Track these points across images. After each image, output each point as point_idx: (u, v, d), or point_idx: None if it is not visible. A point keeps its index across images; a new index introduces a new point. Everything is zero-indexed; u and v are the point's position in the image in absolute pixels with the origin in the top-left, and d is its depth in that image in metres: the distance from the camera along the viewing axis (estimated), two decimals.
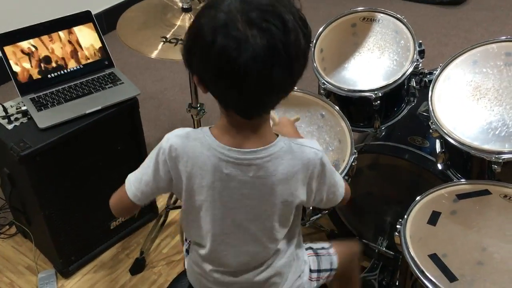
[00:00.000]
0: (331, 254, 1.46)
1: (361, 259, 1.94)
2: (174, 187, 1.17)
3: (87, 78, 2.10)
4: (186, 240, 1.48)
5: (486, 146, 1.49)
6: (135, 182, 1.18)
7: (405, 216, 1.41)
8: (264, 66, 0.95)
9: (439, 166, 1.68)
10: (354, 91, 1.76)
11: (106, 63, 2.17)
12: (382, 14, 1.84)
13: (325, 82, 1.78)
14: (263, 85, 0.98)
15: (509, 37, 1.64)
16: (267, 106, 1.07)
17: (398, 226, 1.39)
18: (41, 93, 2.01)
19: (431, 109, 1.60)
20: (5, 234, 2.31)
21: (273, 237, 1.21)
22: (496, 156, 1.47)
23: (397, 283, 1.61)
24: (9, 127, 1.91)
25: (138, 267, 2.15)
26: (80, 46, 2.07)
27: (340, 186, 1.27)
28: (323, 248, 1.47)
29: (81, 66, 2.10)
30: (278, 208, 1.16)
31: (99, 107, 1.97)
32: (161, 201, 2.38)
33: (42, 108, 1.96)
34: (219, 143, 1.09)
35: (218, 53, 0.95)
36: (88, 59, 2.09)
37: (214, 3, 0.99)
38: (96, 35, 2.13)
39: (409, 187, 1.89)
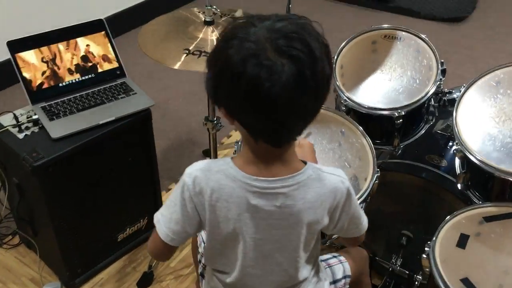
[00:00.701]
0: (342, 261, 1.45)
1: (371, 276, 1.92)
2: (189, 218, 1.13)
3: (99, 88, 2.05)
4: (200, 262, 1.45)
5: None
6: (165, 222, 1.14)
7: (434, 238, 1.40)
8: (294, 93, 0.94)
9: (459, 186, 1.68)
10: (376, 108, 1.76)
11: (118, 72, 2.13)
12: (403, 32, 1.84)
13: (347, 99, 1.77)
14: (293, 112, 0.97)
15: None
16: (296, 133, 1.06)
17: (426, 249, 1.38)
18: (52, 102, 1.97)
19: (456, 129, 1.59)
20: (8, 244, 2.24)
21: (297, 265, 1.19)
22: None
23: None
24: (20, 136, 1.86)
25: (145, 281, 2.11)
26: (93, 55, 2.04)
27: (364, 220, 1.26)
28: (333, 257, 1.47)
29: (93, 75, 2.06)
30: (304, 236, 1.14)
31: (113, 118, 1.93)
32: None
33: (54, 117, 1.91)
34: (245, 174, 1.06)
35: (249, 83, 0.93)
36: (100, 68, 2.05)
37: (237, 33, 0.97)
38: (108, 44, 2.09)
39: (424, 205, 1.88)
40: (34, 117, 1.92)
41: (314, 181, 1.10)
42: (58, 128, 1.87)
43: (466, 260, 1.35)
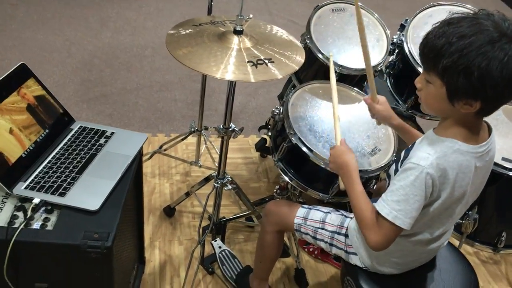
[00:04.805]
0: None
1: None
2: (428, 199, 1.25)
3: (64, 142, 1.59)
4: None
5: None
6: (407, 214, 1.22)
7: None
8: None
9: None
10: None
11: (66, 118, 1.67)
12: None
13: None
14: None
15: None
16: None
17: None
18: (31, 177, 1.44)
19: None
20: None
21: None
22: None
23: None
24: (49, 228, 1.31)
25: None
26: (35, 108, 1.54)
27: None
28: None
29: (47, 131, 1.56)
30: None
31: (129, 162, 1.56)
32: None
33: (64, 191, 1.41)
34: (472, 146, 1.22)
35: None
36: (49, 120, 1.58)
37: (490, 40, 1.08)
38: (42, 90, 1.61)
39: None
40: (36, 201, 1.36)
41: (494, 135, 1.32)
42: (89, 199, 1.40)
43: None
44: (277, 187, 2.02)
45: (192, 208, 2.30)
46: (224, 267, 1.95)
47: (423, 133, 2.11)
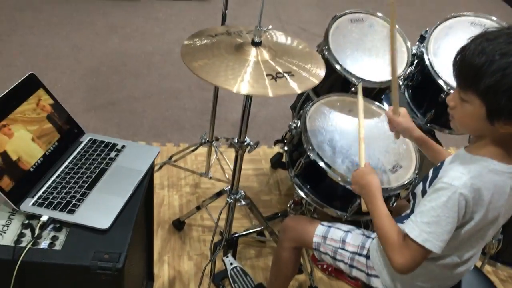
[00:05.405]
0: None
1: None
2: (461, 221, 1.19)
3: (74, 155, 1.53)
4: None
5: None
6: (439, 237, 1.16)
7: None
8: None
9: None
10: None
11: (76, 130, 1.61)
12: None
13: None
14: None
15: None
16: None
17: None
18: (39, 193, 1.38)
19: None
20: None
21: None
22: None
23: None
24: (58, 247, 1.25)
25: None
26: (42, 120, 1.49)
27: None
28: None
29: (56, 144, 1.51)
30: None
31: (140, 177, 1.50)
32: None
33: (73, 208, 1.35)
34: (508, 166, 1.16)
35: None
36: (59, 132, 1.52)
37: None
38: (51, 100, 1.55)
39: None
40: (44, 218, 1.30)
41: None
42: (99, 217, 1.34)
43: None
44: (291, 201, 1.96)
45: (202, 222, 2.23)
46: (236, 284, 1.89)
47: (442, 146, 2.08)
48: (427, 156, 1.54)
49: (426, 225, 1.16)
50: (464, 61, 1.09)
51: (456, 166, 1.17)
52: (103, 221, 1.32)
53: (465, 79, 1.10)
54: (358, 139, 1.49)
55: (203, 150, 2.43)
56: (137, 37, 3.59)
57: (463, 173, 1.14)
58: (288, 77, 1.41)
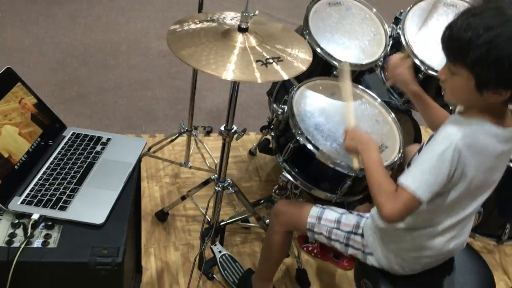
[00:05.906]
0: None
1: None
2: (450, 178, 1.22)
3: (58, 151, 1.49)
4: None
5: None
6: (429, 188, 1.20)
7: None
8: None
9: None
10: None
11: (58, 125, 1.56)
12: None
13: None
14: None
15: None
16: None
17: None
18: (26, 191, 1.34)
19: None
20: None
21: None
22: None
23: None
24: (52, 245, 1.22)
25: None
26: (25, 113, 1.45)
27: None
28: None
29: (39, 139, 1.46)
30: None
31: (130, 170, 1.47)
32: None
33: (65, 204, 1.32)
34: (499, 129, 1.20)
35: None
36: (41, 127, 1.47)
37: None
38: (30, 95, 1.50)
39: None
40: (35, 216, 1.26)
41: None
42: (92, 212, 1.31)
43: None
44: (275, 186, 1.96)
45: (185, 212, 2.22)
46: (225, 271, 1.89)
47: (419, 125, 2.12)
48: (423, 117, 1.57)
49: (420, 173, 1.20)
50: (452, 36, 1.14)
51: (452, 124, 1.21)
52: (98, 216, 1.29)
53: (454, 53, 1.16)
54: (346, 104, 1.56)
55: (180, 140, 2.40)
56: (101, 27, 3.49)
57: (459, 130, 1.18)
58: (277, 63, 1.41)
